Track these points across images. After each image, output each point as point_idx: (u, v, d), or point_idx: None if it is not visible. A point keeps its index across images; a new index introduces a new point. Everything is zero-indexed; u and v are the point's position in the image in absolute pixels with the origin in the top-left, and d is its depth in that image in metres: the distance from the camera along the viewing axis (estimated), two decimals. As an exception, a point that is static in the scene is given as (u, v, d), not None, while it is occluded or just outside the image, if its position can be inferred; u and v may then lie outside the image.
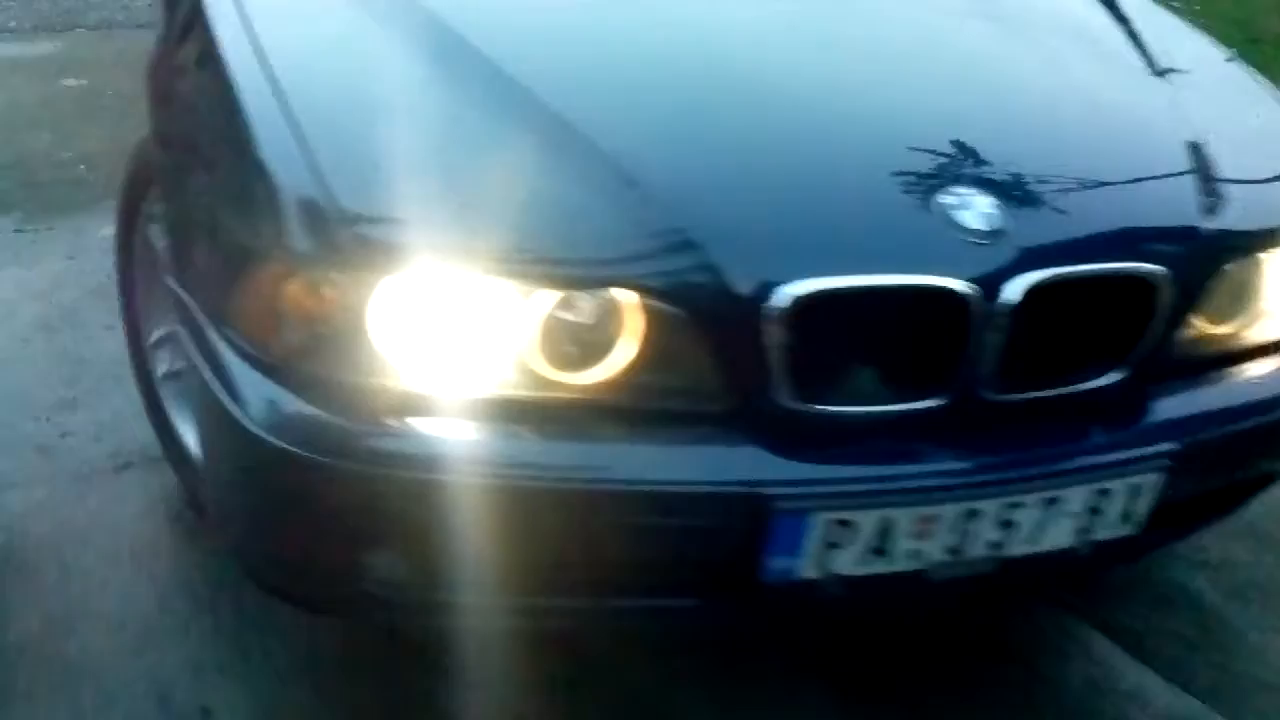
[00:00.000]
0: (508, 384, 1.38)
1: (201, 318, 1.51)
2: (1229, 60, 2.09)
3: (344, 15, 1.72)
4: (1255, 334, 1.68)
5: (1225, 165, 1.67)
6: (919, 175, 1.51)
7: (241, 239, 1.47)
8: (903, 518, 1.40)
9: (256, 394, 1.40)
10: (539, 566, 1.39)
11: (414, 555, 1.40)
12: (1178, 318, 1.54)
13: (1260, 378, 1.66)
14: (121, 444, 2.29)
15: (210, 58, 1.65)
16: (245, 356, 1.42)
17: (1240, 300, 1.66)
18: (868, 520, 1.39)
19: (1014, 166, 1.56)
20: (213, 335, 1.47)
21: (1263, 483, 1.80)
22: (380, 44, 1.67)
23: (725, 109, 1.61)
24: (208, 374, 1.46)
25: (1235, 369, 1.66)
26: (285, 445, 1.36)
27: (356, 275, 1.35)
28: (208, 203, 1.60)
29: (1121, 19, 2.09)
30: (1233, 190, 1.64)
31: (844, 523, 1.39)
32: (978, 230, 1.43)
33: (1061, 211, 1.54)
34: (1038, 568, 1.53)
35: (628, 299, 1.36)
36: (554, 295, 1.36)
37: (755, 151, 1.54)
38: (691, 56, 1.75)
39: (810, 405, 1.40)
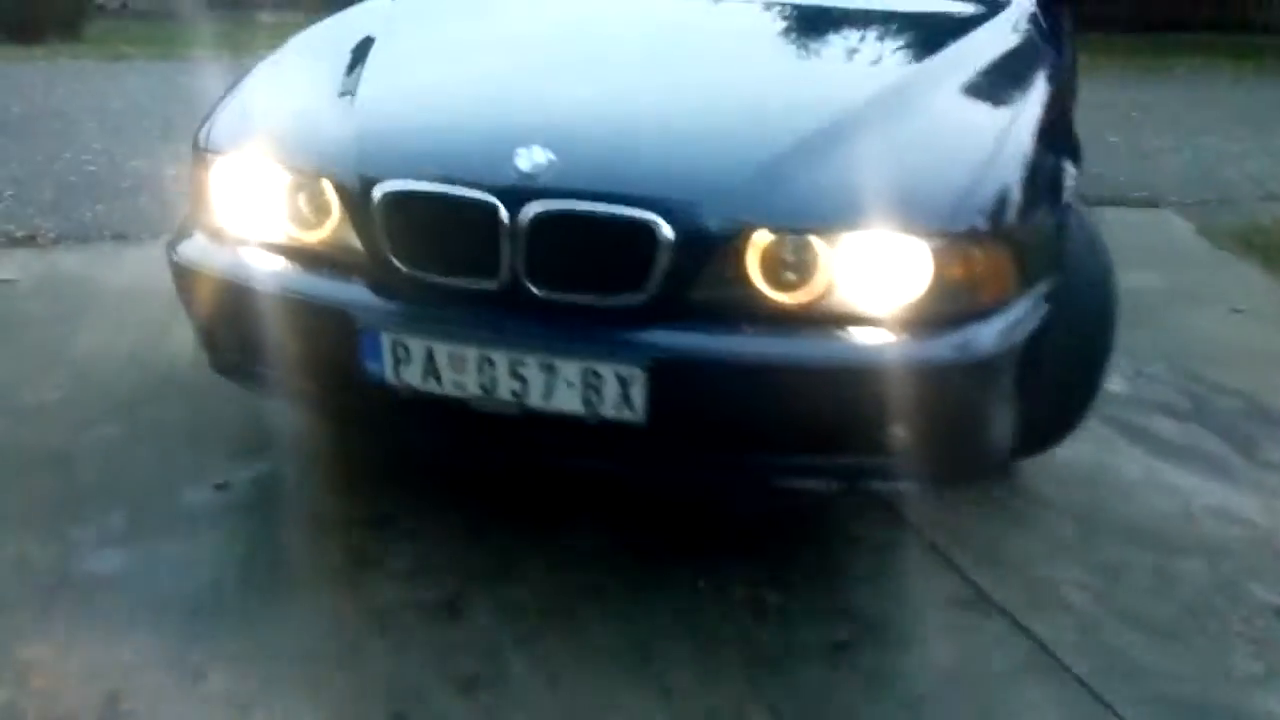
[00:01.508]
0: (273, 234, 2.15)
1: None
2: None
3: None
4: (815, 305, 1.92)
5: (819, 163, 1.98)
6: (522, 130, 2.02)
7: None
8: (439, 350, 1.95)
9: (181, 238, 2.32)
10: (268, 345, 2.15)
11: (218, 332, 2.30)
12: (690, 266, 1.89)
13: (783, 345, 1.91)
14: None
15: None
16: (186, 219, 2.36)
17: (794, 271, 1.92)
18: (417, 346, 1.96)
19: (599, 139, 2.06)
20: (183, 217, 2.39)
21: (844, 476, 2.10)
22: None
23: (463, 75, 2.39)
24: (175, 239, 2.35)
25: (780, 326, 1.92)
26: (181, 263, 2.27)
27: (203, 159, 2.25)
28: None
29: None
30: (801, 182, 1.94)
31: (402, 344, 1.97)
32: (520, 170, 1.93)
33: (600, 172, 1.97)
34: (560, 426, 1.97)
35: (326, 186, 2.08)
36: (290, 178, 2.12)
37: (446, 100, 2.27)
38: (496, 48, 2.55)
39: (404, 267, 2.00)
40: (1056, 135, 2.35)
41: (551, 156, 1.95)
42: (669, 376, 1.90)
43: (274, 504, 2.32)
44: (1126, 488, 2.55)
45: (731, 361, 1.92)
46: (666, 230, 1.88)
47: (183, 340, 2.98)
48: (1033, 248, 2.07)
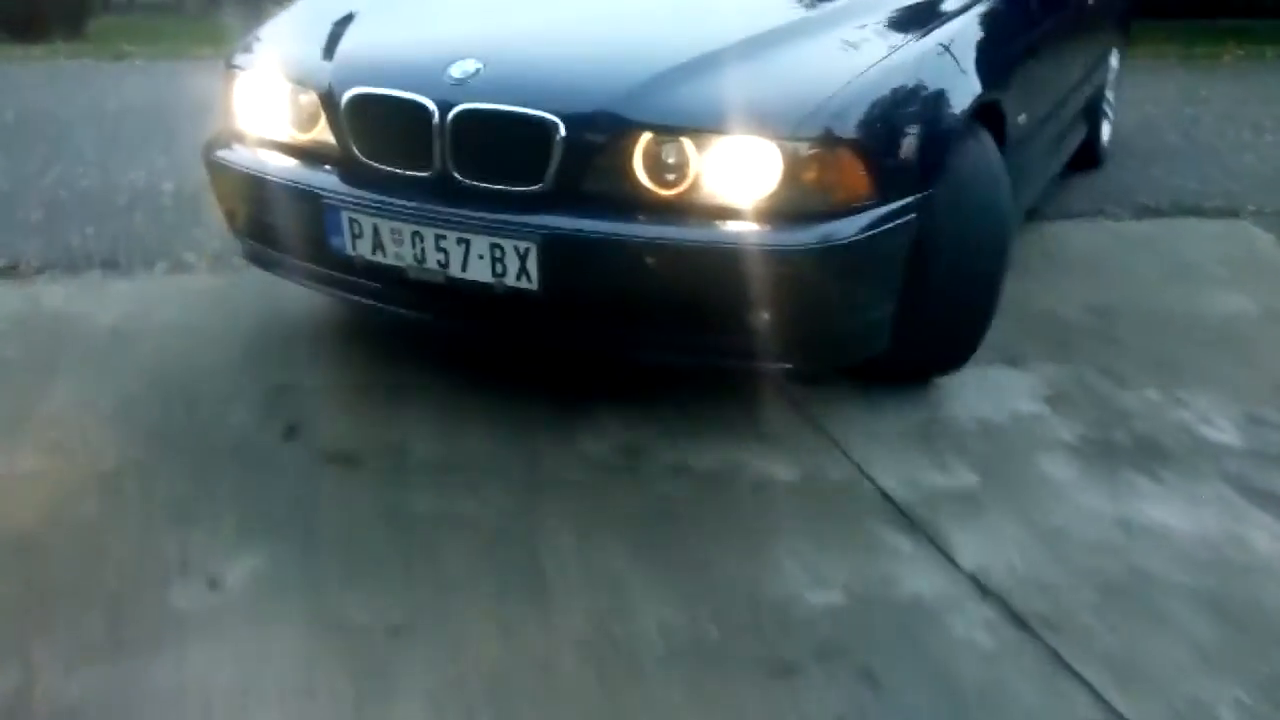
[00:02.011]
0: (278, 134, 2.68)
1: None
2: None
3: None
4: (689, 197, 2.28)
5: (696, 80, 2.33)
6: (459, 49, 2.48)
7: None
8: (383, 226, 2.40)
9: (214, 143, 2.84)
10: (273, 226, 2.67)
11: (239, 215, 2.82)
12: (580, 161, 2.29)
13: (654, 229, 2.27)
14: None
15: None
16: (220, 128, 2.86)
17: (669, 168, 2.27)
18: (367, 223, 2.42)
19: (517, 56, 2.49)
20: None
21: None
22: None
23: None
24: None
25: (656, 216, 2.28)
26: (213, 161, 2.81)
27: (232, 74, 2.79)
28: None
29: None
30: (678, 95, 2.31)
31: (357, 222, 2.43)
32: (452, 76, 2.39)
33: (514, 80, 2.38)
34: (475, 294, 2.37)
35: (313, 95, 2.58)
36: (289, 88, 2.65)
37: (405, 33, 2.74)
38: None
39: (362, 157, 2.49)
40: (954, 70, 2.64)
41: (480, 66, 2.41)
42: (557, 252, 2.30)
43: (278, 606, 1.97)
44: (1262, 568, 2.20)
45: (610, 241, 2.28)
46: (562, 129, 2.29)
47: (175, 390, 2.66)
48: (894, 162, 2.40)
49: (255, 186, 2.66)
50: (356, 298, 2.64)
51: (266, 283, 3.00)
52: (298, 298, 3.11)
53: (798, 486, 2.40)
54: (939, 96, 2.55)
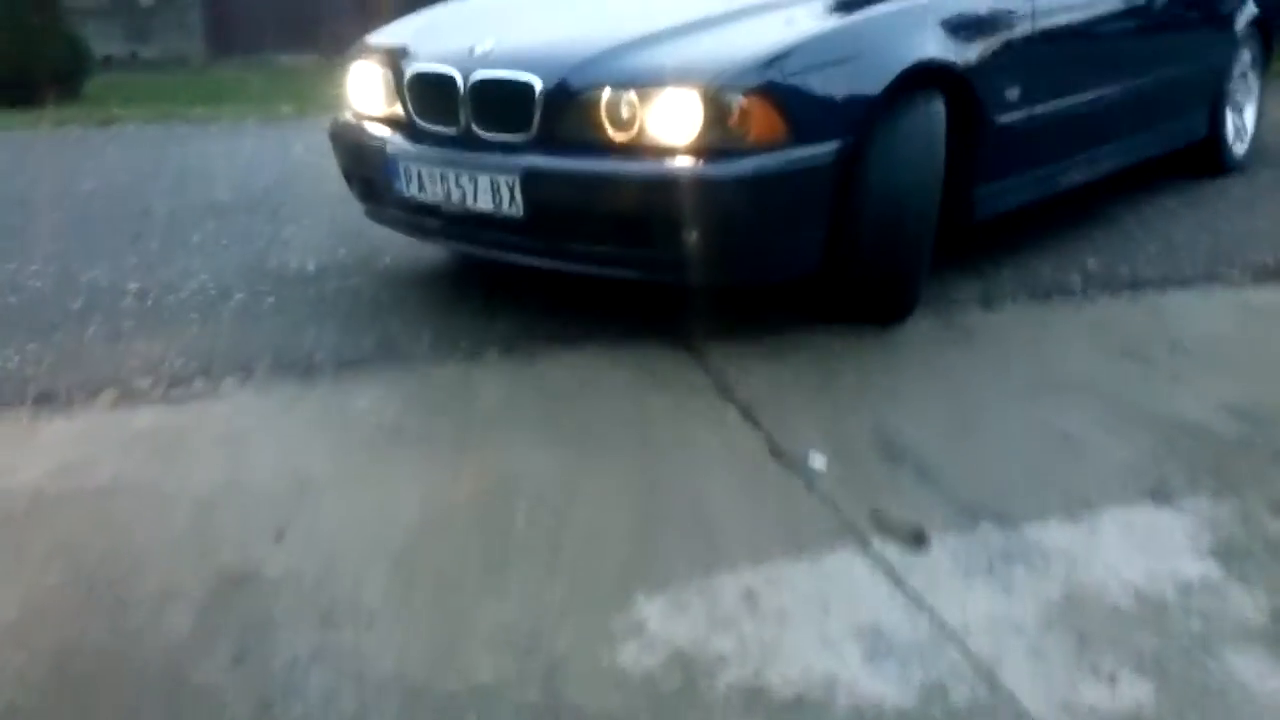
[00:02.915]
0: (388, 111, 3.45)
1: None
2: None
3: None
4: (639, 140, 2.88)
5: (645, 50, 2.98)
6: (483, 33, 3.26)
7: None
8: (425, 171, 3.18)
9: (336, 117, 3.75)
10: (371, 180, 3.51)
11: (357, 177, 3.64)
12: (557, 113, 2.96)
13: (608, 164, 2.93)
14: None
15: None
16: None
17: (624, 118, 2.89)
18: (414, 169, 3.21)
19: (518, 36, 3.26)
20: None
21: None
22: None
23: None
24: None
25: (613, 155, 2.92)
26: (332, 130, 3.74)
27: (346, 65, 3.64)
28: None
29: None
30: (630, 60, 2.95)
31: (409, 168, 3.22)
32: (474, 52, 3.16)
33: (511, 53, 3.12)
34: (486, 220, 3.11)
35: (391, 76, 3.42)
36: (380, 72, 3.47)
37: (453, 28, 3.56)
38: None
39: (415, 120, 3.30)
40: (878, 42, 3.10)
41: (495, 43, 3.14)
42: (534, 184, 2.96)
43: None
44: None
45: (573, 174, 2.94)
46: (540, 86, 2.95)
47: (102, 584, 2.08)
48: (806, 112, 2.88)
49: (359, 150, 3.51)
50: (414, 231, 3.50)
51: (230, 420, 2.54)
52: (263, 444, 2.53)
53: None
54: (856, 61, 3.03)
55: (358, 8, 10.33)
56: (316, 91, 7.11)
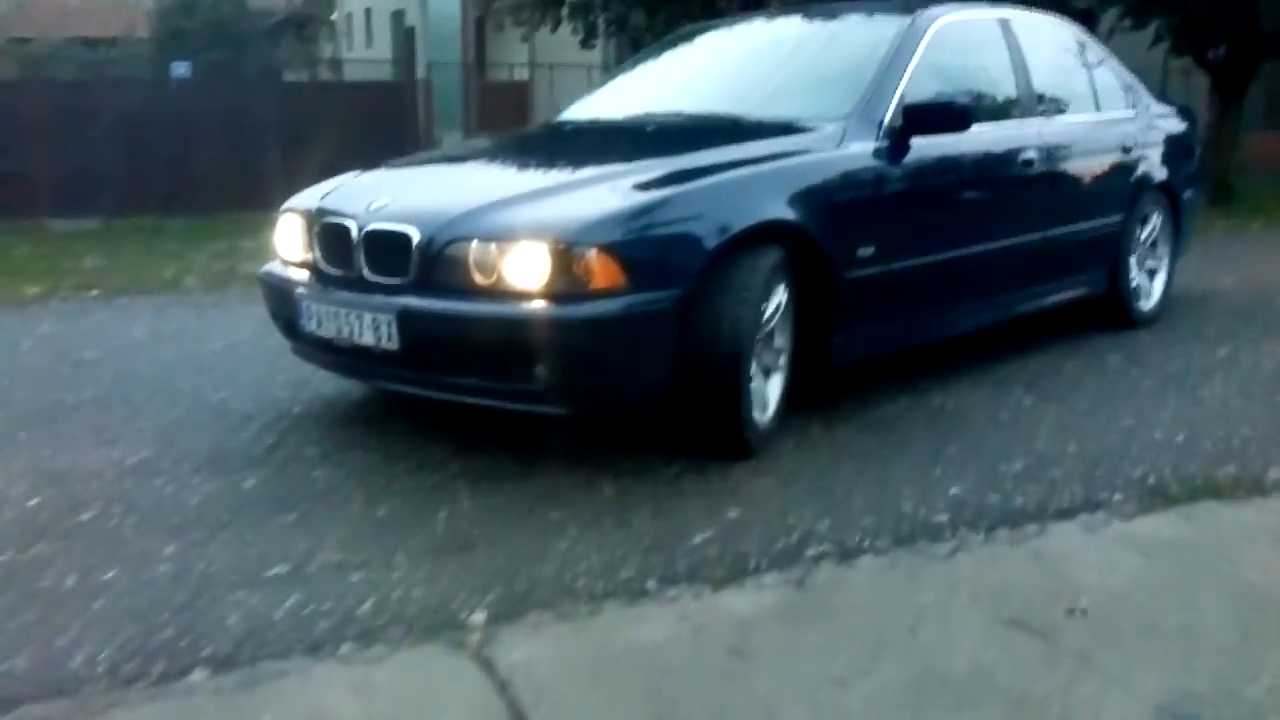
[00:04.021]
0: (303, 258, 3.78)
1: None
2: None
3: None
4: (498, 285, 3.23)
5: (505, 210, 3.39)
6: (383, 192, 3.75)
7: None
8: (322, 311, 3.54)
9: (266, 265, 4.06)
10: (288, 319, 3.81)
11: (280, 317, 3.92)
12: (431, 260, 3.31)
13: (470, 306, 3.26)
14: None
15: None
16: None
17: (487, 264, 3.23)
18: (314, 308, 3.57)
19: (405, 195, 3.69)
20: None
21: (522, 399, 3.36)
22: None
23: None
24: None
25: (477, 298, 3.26)
26: (260, 275, 4.08)
27: (277, 218, 3.98)
28: None
29: None
30: (491, 218, 3.34)
31: (310, 308, 3.59)
32: (370, 208, 3.53)
33: (397, 209, 3.51)
34: (369, 354, 3.43)
35: (306, 225, 3.79)
36: (299, 223, 3.83)
37: (364, 187, 3.98)
38: None
39: (319, 266, 3.67)
40: (713, 207, 3.43)
41: (388, 200, 3.58)
42: (408, 322, 3.31)
43: None
44: None
45: (441, 314, 3.30)
46: (417, 238, 3.34)
47: None
48: (641, 265, 3.21)
49: (278, 290, 3.86)
50: (320, 364, 3.88)
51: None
52: None
53: None
54: (700, 220, 3.35)
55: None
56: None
